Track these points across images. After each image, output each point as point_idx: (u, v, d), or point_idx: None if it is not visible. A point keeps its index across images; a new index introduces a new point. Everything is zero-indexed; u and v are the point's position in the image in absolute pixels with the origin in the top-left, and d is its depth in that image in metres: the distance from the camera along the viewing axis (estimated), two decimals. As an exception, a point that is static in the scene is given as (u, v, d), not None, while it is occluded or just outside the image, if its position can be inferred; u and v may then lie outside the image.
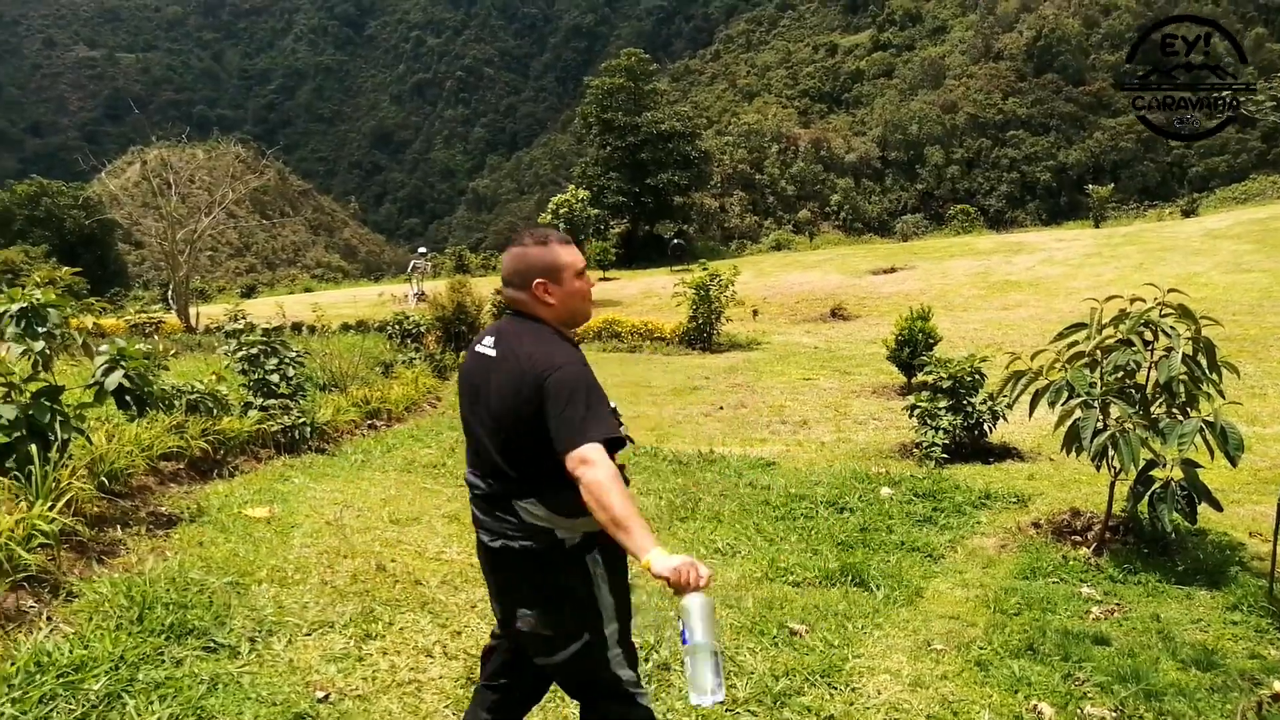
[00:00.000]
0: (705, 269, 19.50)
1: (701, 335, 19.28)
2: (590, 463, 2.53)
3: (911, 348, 13.49)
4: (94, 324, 6.93)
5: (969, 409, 9.65)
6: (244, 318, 10.92)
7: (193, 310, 25.35)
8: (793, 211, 76.48)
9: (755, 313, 22.67)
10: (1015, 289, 23.92)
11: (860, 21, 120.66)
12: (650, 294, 28.79)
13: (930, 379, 10.05)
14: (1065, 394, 6.27)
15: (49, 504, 4.48)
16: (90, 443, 5.51)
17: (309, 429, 8.73)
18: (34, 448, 4.71)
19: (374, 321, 21.70)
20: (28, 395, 4.98)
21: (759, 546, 6.55)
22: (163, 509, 5.83)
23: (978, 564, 6.30)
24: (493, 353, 2.90)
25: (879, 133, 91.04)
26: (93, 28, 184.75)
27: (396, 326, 16.42)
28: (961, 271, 27.11)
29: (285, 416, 8.62)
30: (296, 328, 20.77)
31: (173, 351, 11.06)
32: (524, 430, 2.73)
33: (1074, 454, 6.32)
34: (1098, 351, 6.32)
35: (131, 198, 39.13)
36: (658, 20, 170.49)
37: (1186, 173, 77.54)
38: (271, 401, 8.81)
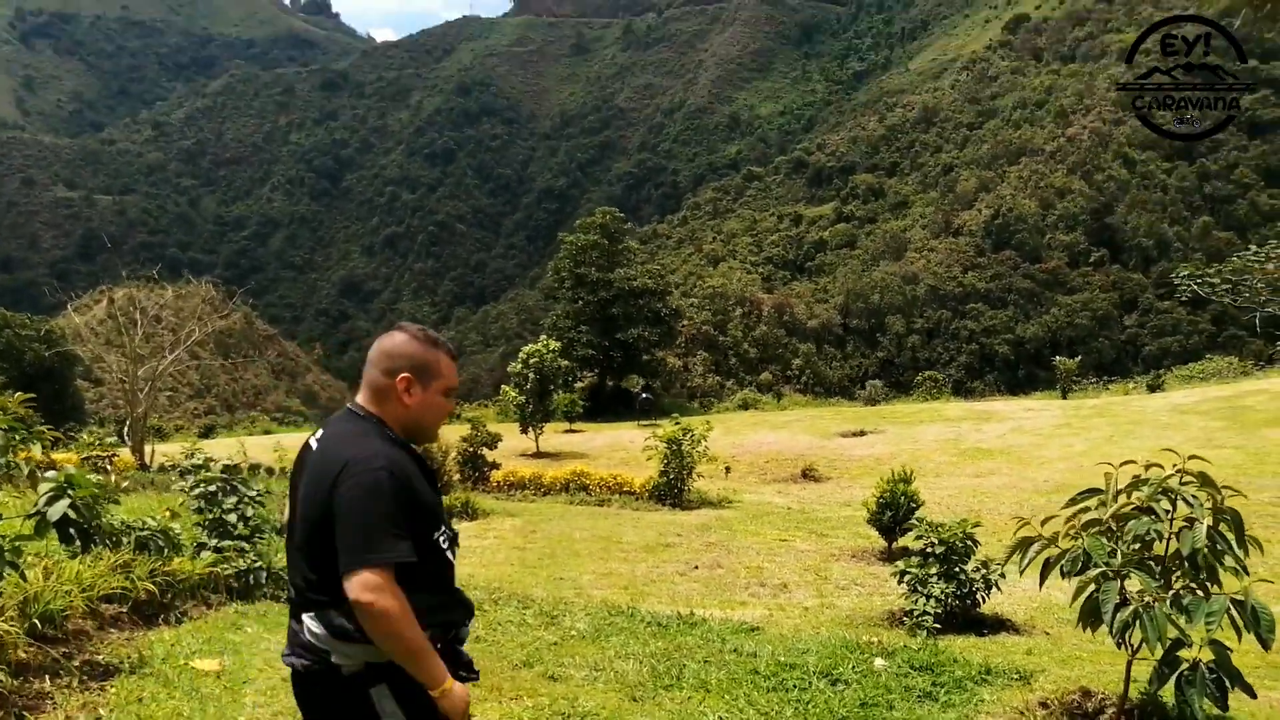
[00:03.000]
0: (678, 423, 19.18)
1: (672, 491, 18.81)
2: (376, 590, 2.36)
3: (894, 511, 13.09)
4: (45, 455, 6.44)
5: (961, 576, 9.23)
6: (202, 455, 10.39)
7: (148, 448, 24.61)
8: (755, 373, 77.06)
9: (727, 470, 22.29)
10: (987, 456, 23.75)
11: (824, 194, 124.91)
12: (618, 447, 28.38)
13: (921, 544, 9.67)
14: (1081, 563, 5.85)
15: (-30, 649, 3.93)
16: (24, 580, 4.95)
17: (265, 574, 8.13)
18: (-41, 583, 4.18)
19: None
20: (-43, 524, 4.47)
21: (753, 721, 6.02)
22: (100, 657, 5.21)
23: (989, 747, 5.79)
24: (315, 446, 2.67)
25: (841, 300, 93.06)
26: (73, 169, 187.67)
27: (359, 471, 15.80)
28: (931, 437, 26.99)
29: (241, 560, 8.03)
30: (254, 468, 20.07)
31: (124, 484, 10.46)
32: (319, 534, 2.50)
33: (1088, 630, 5.89)
34: (1112, 520, 5.94)
35: (96, 335, 38.51)
36: (627, 186, 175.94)
37: (1140, 351, 79.67)
38: (227, 543, 8.22)
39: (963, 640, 8.59)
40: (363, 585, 2.36)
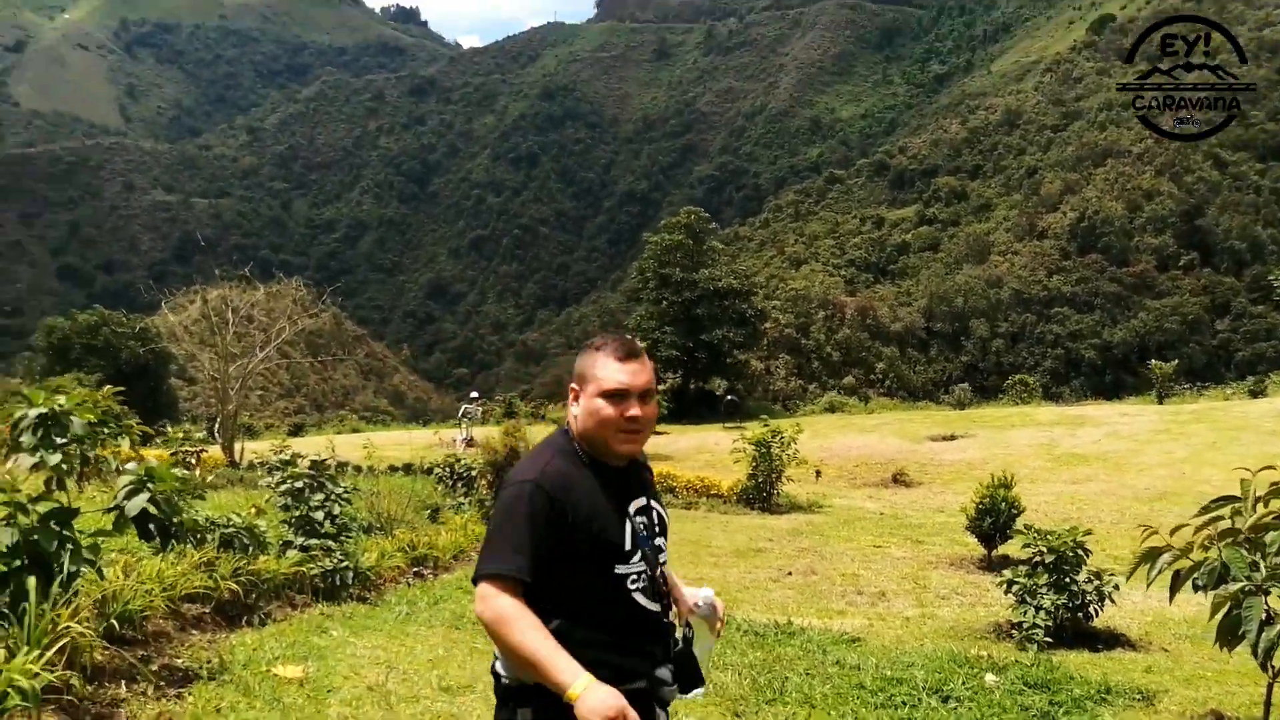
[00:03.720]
0: (766, 425, 18.71)
1: (761, 494, 18.35)
2: (482, 600, 2.29)
3: (994, 517, 12.46)
4: (134, 450, 6.29)
5: (1073, 588, 8.66)
6: (290, 452, 10.27)
7: (238, 445, 24.90)
8: (838, 377, 76.21)
9: (818, 473, 21.72)
10: (1083, 462, 22.86)
11: (906, 197, 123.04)
12: (703, 450, 27.99)
13: (1028, 553, 9.12)
14: (1218, 577, 5.29)
15: (39, 652, 3.67)
16: (102, 578, 4.71)
17: (351, 574, 7.89)
18: (33, 581, 3.94)
19: (423, 463, 21.02)
20: (35, 518, 4.23)
21: (866, 742, 5.59)
22: (179, 661, 4.95)
23: (1123, 777, 5.28)
24: None
25: (924, 304, 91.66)
26: (171, 174, 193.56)
27: (447, 469, 15.68)
28: (1024, 442, 26.12)
29: (327, 559, 7.80)
30: (342, 466, 20.12)
31: (209, 478, 10.41)
32: None
33: (1225, 649, 5.33)
34: (1251, 530, 5.35)
35: (190, 334, 39.44)
36: (709, 189, 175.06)
37: (1233, 356, 77.09)
38: (314, 541, 8.01)
39: (1076, 655, 8.08)
40: (476, 597, 2.31)
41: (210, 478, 11.90)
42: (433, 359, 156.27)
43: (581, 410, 2.49)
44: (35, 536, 4.10)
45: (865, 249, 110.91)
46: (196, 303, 36.21)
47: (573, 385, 2.54)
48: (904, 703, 6.38)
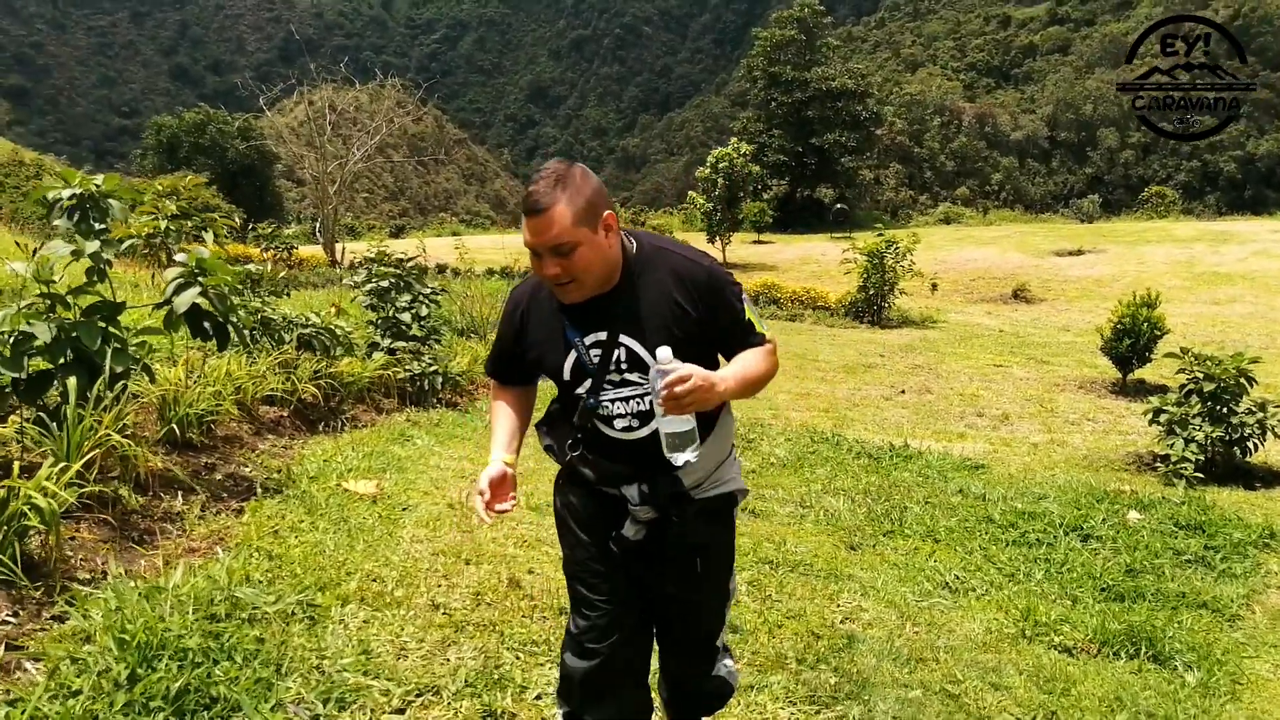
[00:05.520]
0: (881, 235, 17.68)
1: (871, 308, 17.56)
2: None
3: (1133, 339, 11.50)
4: (219, 246, 5.79)
5: (1232, 419, 7.84)
6: (378, 251, 9.84)
7: (339, 246, 24.89)
8: (951, 188, 73.38)
9: (934, 286, 20.66)
10: (1226, 282, 21.39)
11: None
12: (808, 260, 27.05)
13: (1180, 379, 8.30)
14: None
15: (81, 460, 3.24)
16: (152, 380, 4.27)
17: (440, 379, 7.49)
18: (73, 382, 3.48)
19: (519, 267, 20.65)
20: (77, 312, 3.76)
21: (997, 584, 5.01)
22: (246, 470, 4.56)
23: (1294, 635, 4.61)
24: None
25: (1049, 111, 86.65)
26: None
27: (543, 274, 15.18)
28: (1160, 259, 24.60)
29: (415, 363, 7.40)
30: (441, 269, 19.87)
31: (281, 273, 10.03)
32: None
33: None
34: None
35: (297, 136, 39.30)
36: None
37: (1394, 176, 71.46)
38: (400, 344, 7.60)
39: (1229, 494, 7.33)
40: None
41: (283, 272, 11.58)
42: (533, 164, 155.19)
43: None
44: (76, 333, 3.64)
45: (988, 51, 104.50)
46: (301, 104, 35.94)
47: None
48: (1039, 540, 5.78)
